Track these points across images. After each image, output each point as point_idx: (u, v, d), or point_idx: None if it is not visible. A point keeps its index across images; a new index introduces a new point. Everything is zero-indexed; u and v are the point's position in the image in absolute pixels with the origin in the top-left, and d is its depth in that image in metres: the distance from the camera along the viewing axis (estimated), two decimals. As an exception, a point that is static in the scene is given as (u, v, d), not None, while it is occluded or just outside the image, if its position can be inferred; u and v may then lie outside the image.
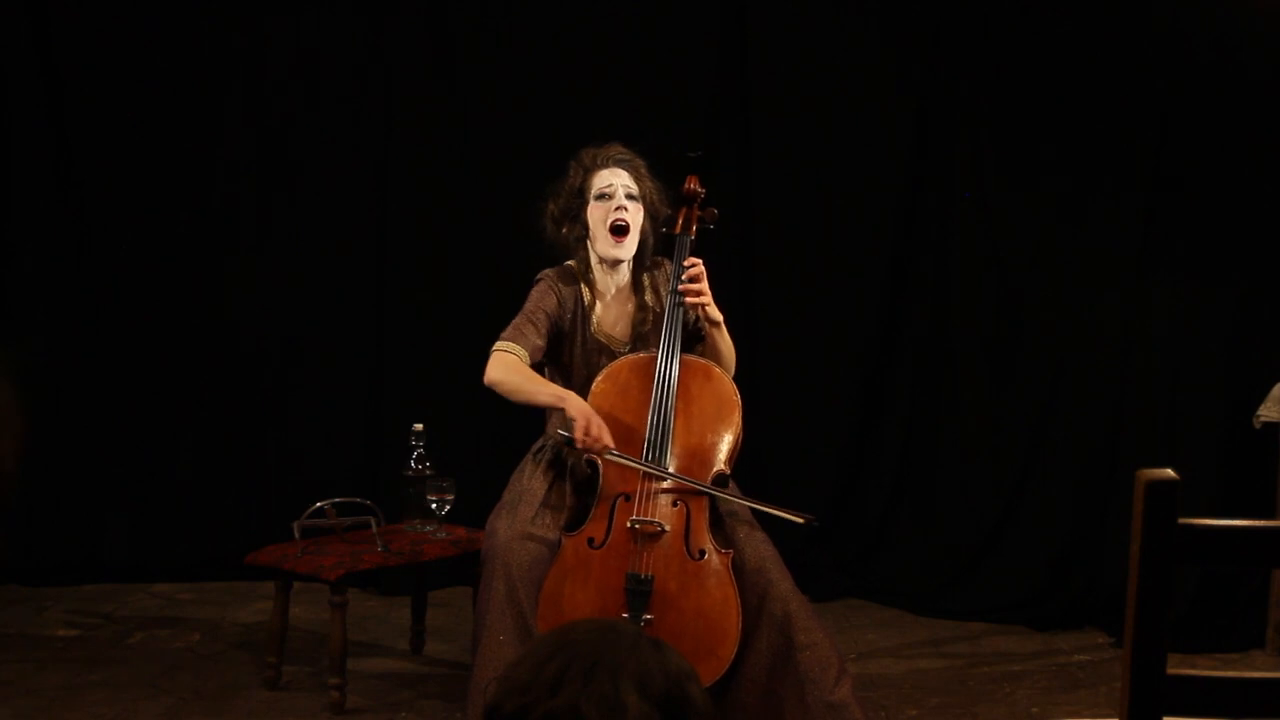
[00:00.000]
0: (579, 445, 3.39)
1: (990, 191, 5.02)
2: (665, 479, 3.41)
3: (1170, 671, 1.77)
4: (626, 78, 5.05)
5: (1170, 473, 1.75)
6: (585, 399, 3.49)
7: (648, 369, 3.51)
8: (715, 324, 3.59)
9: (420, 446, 4.12)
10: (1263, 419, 4.41)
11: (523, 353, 3.54)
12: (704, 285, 3.55)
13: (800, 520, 3.40)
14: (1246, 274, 4.72)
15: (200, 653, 4.40)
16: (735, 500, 3.50)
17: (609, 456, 3.40)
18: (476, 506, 4.11)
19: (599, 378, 3.55)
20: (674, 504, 3.39)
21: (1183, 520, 1.75)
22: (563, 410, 3.47)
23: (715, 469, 3.46)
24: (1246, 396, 4.52)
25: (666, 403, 3.45)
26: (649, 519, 3.36)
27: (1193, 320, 4.75)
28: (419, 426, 4.14)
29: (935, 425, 5.13)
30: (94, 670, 4.21)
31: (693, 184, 3.67)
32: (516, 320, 3.60)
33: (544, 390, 3.51)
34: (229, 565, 4.72)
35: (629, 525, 3.36)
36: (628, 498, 3.39)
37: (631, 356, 3.59)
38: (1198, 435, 4.70)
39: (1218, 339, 4.73)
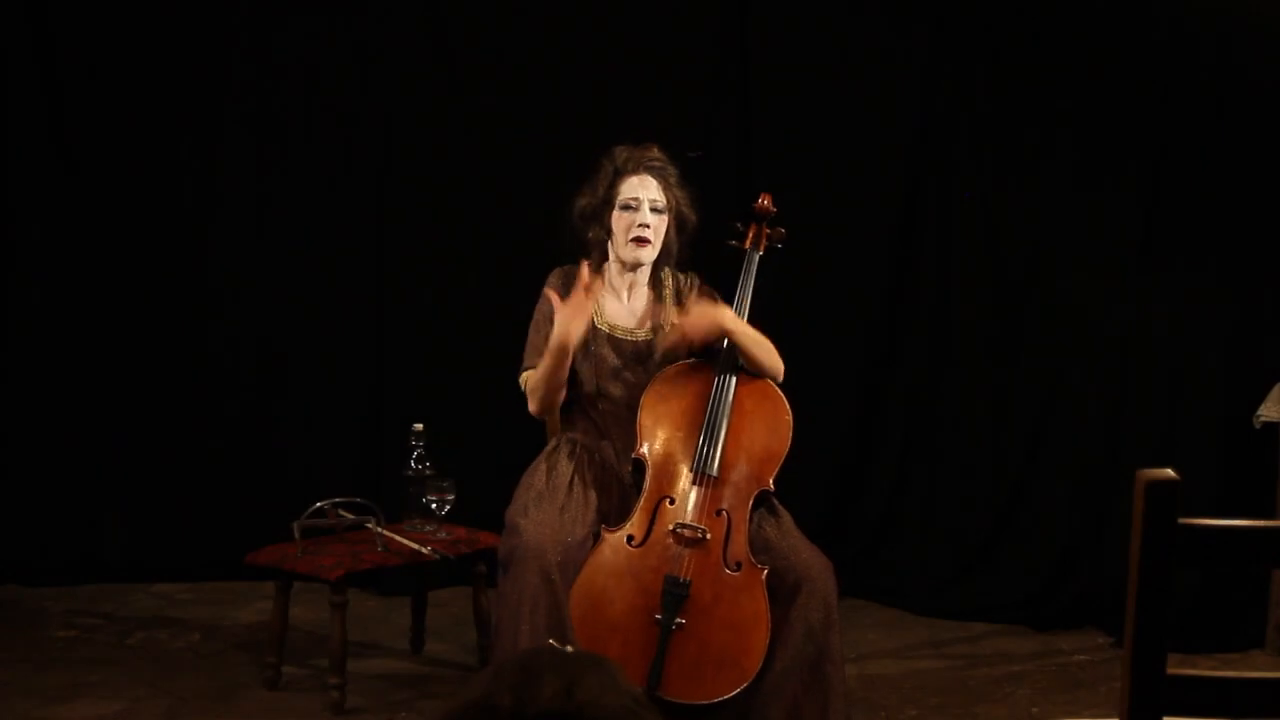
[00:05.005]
0: (582, 295, 3.40)
1: (990, 191, 5.02)
2: (711, 484, 3.42)
3: (1170, 671, 1.78)
4: (627, 77, 5.04)
5: (1170, 473, 1.75)
6: (596, 389, 3.56)
7: (706, 375, 3.54)
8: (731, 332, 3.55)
9: (420, 446, 4.11)
10: (1263, 419, 4.41)
11: None
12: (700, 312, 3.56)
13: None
14: (1246, 274, 4.72)
15: (200, 653, 4.40)
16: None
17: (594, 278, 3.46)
18: (476, 506, 4.11)
19: (656, 379, 3.56)
20: (717, 513, 3.41)
21: (1183, 520, 1.75)
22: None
23: (760, 485, 3.48)
24: (1246, 396, 4.52)
25: (720, 410, 3.47)
26: (692, 524, 3.37)
27: (1193, 320, 4.74)
28: (419, 426, 4.14)
29: (935, 425, 5.13)
30: (94, 670, 4.21)
31: (765, 201, 3.73)
32: (528, 350, 3.62)
33: (548, 358, 3.47)
34: (229, 565, 4.71)
35: (671, 528, 3.37)
36: (672, 500, 3.41)
37: (689, 363, 3.60)
38: (1198, 435, 4.70)
39: (1218, 339, 4.73)
